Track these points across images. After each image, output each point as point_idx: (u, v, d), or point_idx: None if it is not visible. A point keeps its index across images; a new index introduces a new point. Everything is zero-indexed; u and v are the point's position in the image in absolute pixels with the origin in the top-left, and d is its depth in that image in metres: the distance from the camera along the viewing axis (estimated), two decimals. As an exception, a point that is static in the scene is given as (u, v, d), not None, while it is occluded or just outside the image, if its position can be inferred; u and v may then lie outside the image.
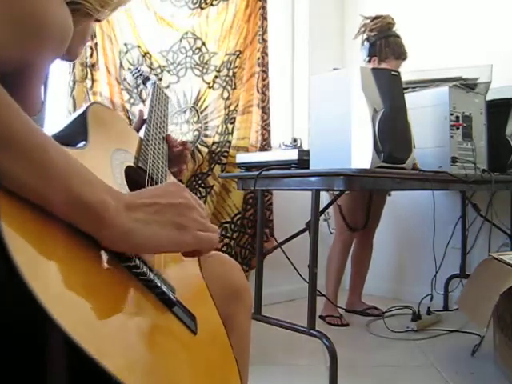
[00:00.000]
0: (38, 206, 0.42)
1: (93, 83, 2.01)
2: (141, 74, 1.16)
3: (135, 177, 0.70)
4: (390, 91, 1.56)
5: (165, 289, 0.52)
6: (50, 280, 0.38)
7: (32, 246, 0.38)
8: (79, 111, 0.69)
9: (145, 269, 0.50)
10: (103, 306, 0.42)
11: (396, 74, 1.61)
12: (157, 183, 0.71)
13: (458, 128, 1.83)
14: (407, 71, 2.13)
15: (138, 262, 0.49)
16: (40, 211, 0.42)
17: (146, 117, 0.95)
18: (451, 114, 1.81)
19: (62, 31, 0.56)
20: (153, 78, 1.15)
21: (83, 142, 0.60)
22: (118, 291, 0.46)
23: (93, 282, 0.43)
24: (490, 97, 2.03)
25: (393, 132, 1.53)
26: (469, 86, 1.93)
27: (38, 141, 0.43)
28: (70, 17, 0.58)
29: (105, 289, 0.44)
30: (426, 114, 1.86)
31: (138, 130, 0.98)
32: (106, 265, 0.46)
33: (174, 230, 0.50)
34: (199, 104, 2.41)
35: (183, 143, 0.99)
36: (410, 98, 1.69)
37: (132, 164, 0.71)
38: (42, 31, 0.53)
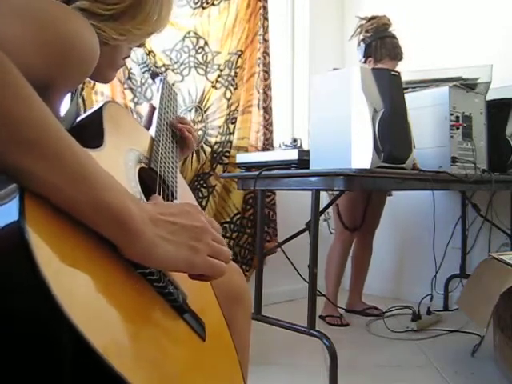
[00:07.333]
0: (60, 210, 0.42)
1: (94, 82, 1.99)
2: (149, 69, 1.14)
3: (148, 178, 0.70)
4: (390, 91, 1.56)
5: (177, 296, 0.53)
6: (75, 289, 0.38)
7: (56, 252, 0.38)
8: (93, 109, 0.69)
9: (159, 276, 0.50)
10: (123, 314, 0.42)
11: (396, 74, 1.61)
12: (167, 186, 0.71)
13: (458, 128, 1.83)
14: (407, 71, 2.13)
15: (152, 269, 0.50)
16: (62, 214, 0.42)
17: (155, 113, 0.93)
18: (451, 114, 1.81)
19: (90, 55, 0.56)
20: (161, 73, 1.13)
21: (99, 143, 0.60)
22: (135, 298, 0.46)
23: (112, 289, 0.43)
24: (489, 97, 2.03)
25: (393, 132, 1.53)
26: (469, 85, 1.93)
27: (66, 143, 0.43)
28: (97, 40, 0.59)
29: (123, 297, 0.44)
30: (426, 114, 1.86)
31: (148, 124, 0.97)
32: (122, 271, 0.46)
33: (188, 253, 0.50)
34: (203, 103, 2.41)
35: (181, 129, 0.96)
36: (410, 98, 1.69)
37: (144, 165, 0.70)
38: (72, 54, 0.53)
